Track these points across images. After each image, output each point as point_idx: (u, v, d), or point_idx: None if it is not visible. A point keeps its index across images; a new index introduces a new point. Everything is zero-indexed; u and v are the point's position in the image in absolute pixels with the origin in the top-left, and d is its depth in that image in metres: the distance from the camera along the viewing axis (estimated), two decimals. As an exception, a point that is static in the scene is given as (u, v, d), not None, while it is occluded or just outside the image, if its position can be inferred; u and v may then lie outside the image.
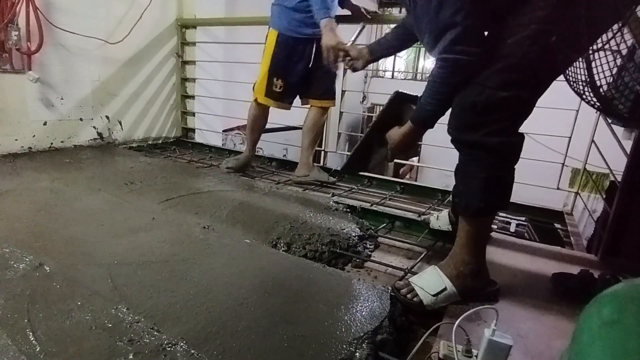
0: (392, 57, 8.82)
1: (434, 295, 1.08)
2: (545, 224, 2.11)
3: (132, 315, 0.91)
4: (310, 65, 2.21)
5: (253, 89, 2.31)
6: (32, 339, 0.82)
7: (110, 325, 0.88)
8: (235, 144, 4.96)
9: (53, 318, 0.89)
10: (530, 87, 1.01)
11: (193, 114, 3.45)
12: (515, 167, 1.10)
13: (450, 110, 1.11)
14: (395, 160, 1.48)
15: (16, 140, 2.38)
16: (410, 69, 9.57)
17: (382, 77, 8.42)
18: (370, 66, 7.95)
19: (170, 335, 0.86)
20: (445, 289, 1.09)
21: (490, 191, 1.06)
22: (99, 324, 0.88)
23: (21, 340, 0.81)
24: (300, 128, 2.35)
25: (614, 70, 0.99)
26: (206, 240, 1.35)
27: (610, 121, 1.91)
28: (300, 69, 2.20)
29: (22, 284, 1.01)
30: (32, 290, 0.99)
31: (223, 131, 4.29)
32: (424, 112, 1.14)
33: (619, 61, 0.98)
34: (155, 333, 0.86)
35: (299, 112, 2.44)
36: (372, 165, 1.46)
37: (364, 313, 1.00)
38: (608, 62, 0.95)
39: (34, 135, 2.46)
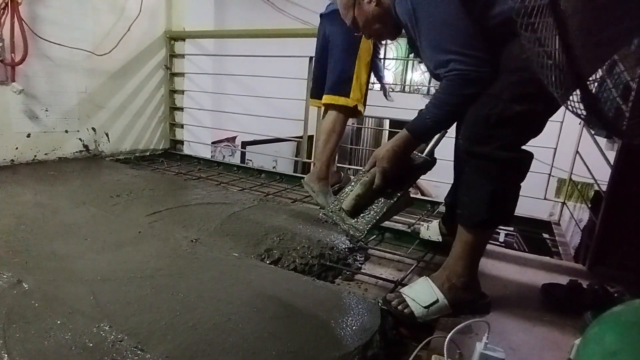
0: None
1: (425, 307, 1.07)
2: (534, 234, 2.13)
3: (115, 334, 0.88)
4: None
5: (349, 94, 1.94)
6: (7, 361, 0.78)
7: (91, 344, 0.84)
8: (224, 156, 4.94)
9: (30, 338, 0.85)
10: (544, 101, 1.00)
11: (182, 126, 3.43)
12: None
13: (464, 121, 1.08)
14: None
15: (-2, 152, 2.33)
16: (398, 82, 9.70)
17: (371, 89, 8.52)
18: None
19: (154, 354, 0.83)
20: (437, 301, 1.08)
21: (495, 204, 1.05)
22: (80, 343, 0.84)
23: (-5, 362, 0.78)
24: (290, 140, 2.29)
25: (595, 83, 1.01)
26: (193, 254, 1.33)
27: (593, 132, 1.96)
28: None
29: (-1, 302, 0.97)
30: (8, 309, 0.94)
31: (212, 143, 4.27)
32: (422, 123, 1.10)
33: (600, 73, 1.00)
34: (139, 352, 0.83)
35: (288, 124, 2.43)
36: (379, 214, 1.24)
37: (354, 327, 0.98)
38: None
39: (16, 148, 2.41)
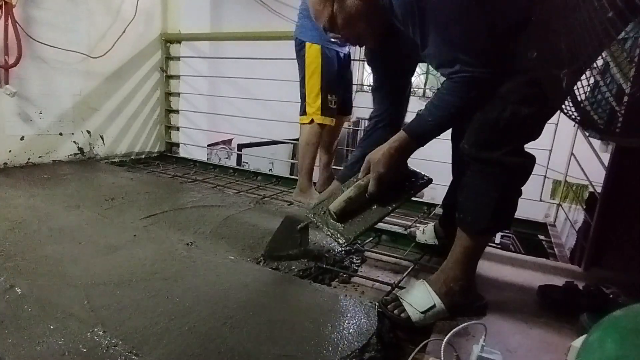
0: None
1: (422, 312, 1.06)
2: (530, 236, 2.14)
3: (109, 339, 0.87)
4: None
5: (305, 112, 2.09)
6: (-1, 367, 0.77)
7: (85, 350, 0.83)
8: (220, 159, 4.92)
9: (23, 344, 0.84)
10: (550, 102, 0.97)
11: (177, 129, 3.42)
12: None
13: (469, 125, 1.04)
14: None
15: (-9, 155, 2.31)
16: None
17: (367, 91, 8.54)
18: (355, 81, 8.07)
19: (149, 359, 0.82)
20: (434, 306, 1.07)
21: (500, 211, 1.03)
22: (73, 349, 0.83)
23: (-13, 369, 0.76)
24: (286, 142, 2.32)
25: (590, 85, 1.01)
26: (189, 258, 1.32)
27: (587, 134, 1.97)
28: (346, 82, 2.21)
29: (-9, 307, 0.96)
30: (1, 314, 0.93)
31: (208, 145, 4.25)
32: (423, 124, 1.05)
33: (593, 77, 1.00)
34: (134, 357, 0.82)
35: (285, 126, 2.43)
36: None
37: (351, 330, 0.97)
38: (586, 78, 0.97)
39: (10, 151, 2.38)
